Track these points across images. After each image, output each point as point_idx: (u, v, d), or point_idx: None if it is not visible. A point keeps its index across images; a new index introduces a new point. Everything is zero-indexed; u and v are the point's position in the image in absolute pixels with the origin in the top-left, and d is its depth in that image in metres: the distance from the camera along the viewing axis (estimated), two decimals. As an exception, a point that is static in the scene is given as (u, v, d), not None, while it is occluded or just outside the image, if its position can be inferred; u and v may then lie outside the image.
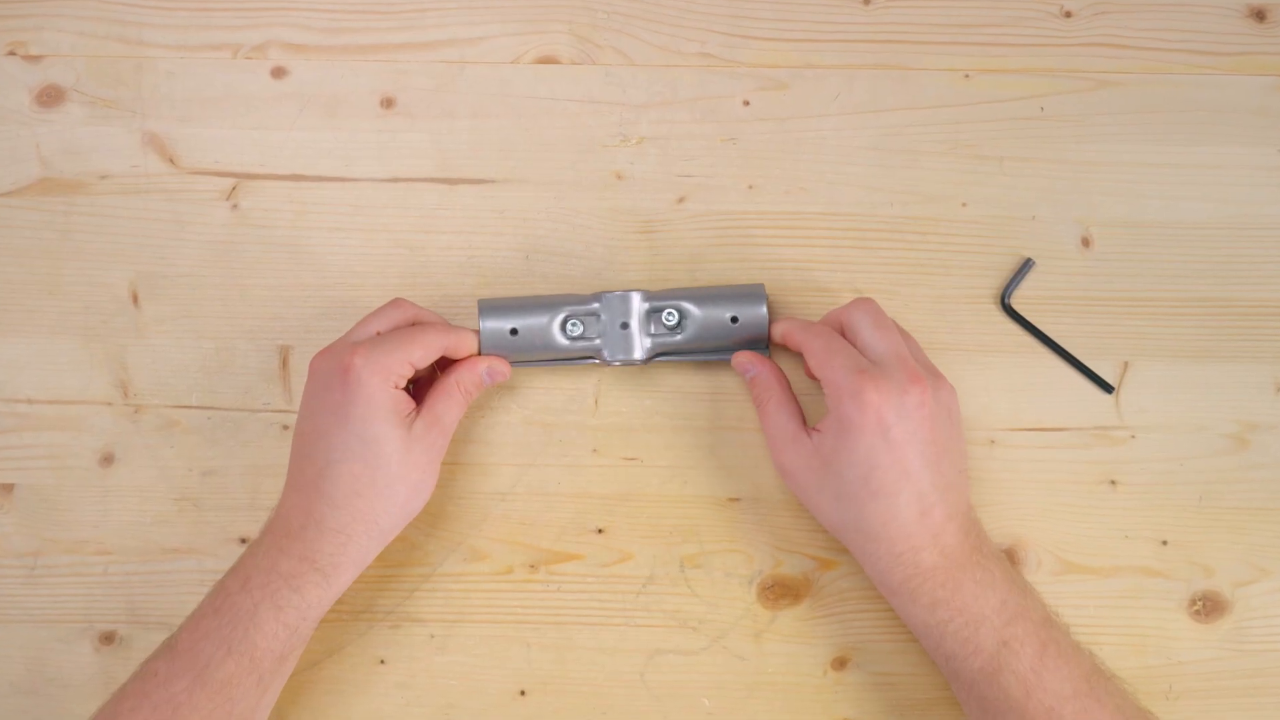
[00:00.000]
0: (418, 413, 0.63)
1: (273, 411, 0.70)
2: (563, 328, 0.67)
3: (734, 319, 0.67)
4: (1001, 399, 0.69)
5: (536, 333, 0.67)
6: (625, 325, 0.67)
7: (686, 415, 0.69)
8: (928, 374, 0.62)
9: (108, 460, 0.69)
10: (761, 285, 0.68)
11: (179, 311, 0.70)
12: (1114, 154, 0.71)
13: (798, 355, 0.66)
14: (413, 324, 0.66)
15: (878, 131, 0.72)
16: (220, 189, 0.72)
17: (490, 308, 0.67)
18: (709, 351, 0.68)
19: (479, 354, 0.67)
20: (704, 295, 0.67)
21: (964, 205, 0.71)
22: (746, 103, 0.72)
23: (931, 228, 0.71)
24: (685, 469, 0.69)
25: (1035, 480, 0.68)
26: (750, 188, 0.71)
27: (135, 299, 0.71)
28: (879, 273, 0.70)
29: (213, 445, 0.69)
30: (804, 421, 0.64)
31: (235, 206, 0.71)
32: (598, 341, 0.67)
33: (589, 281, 0.70)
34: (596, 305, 0.67)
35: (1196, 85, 0.72)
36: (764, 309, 0.67)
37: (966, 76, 0.72)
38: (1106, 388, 0.69)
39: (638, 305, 0.67)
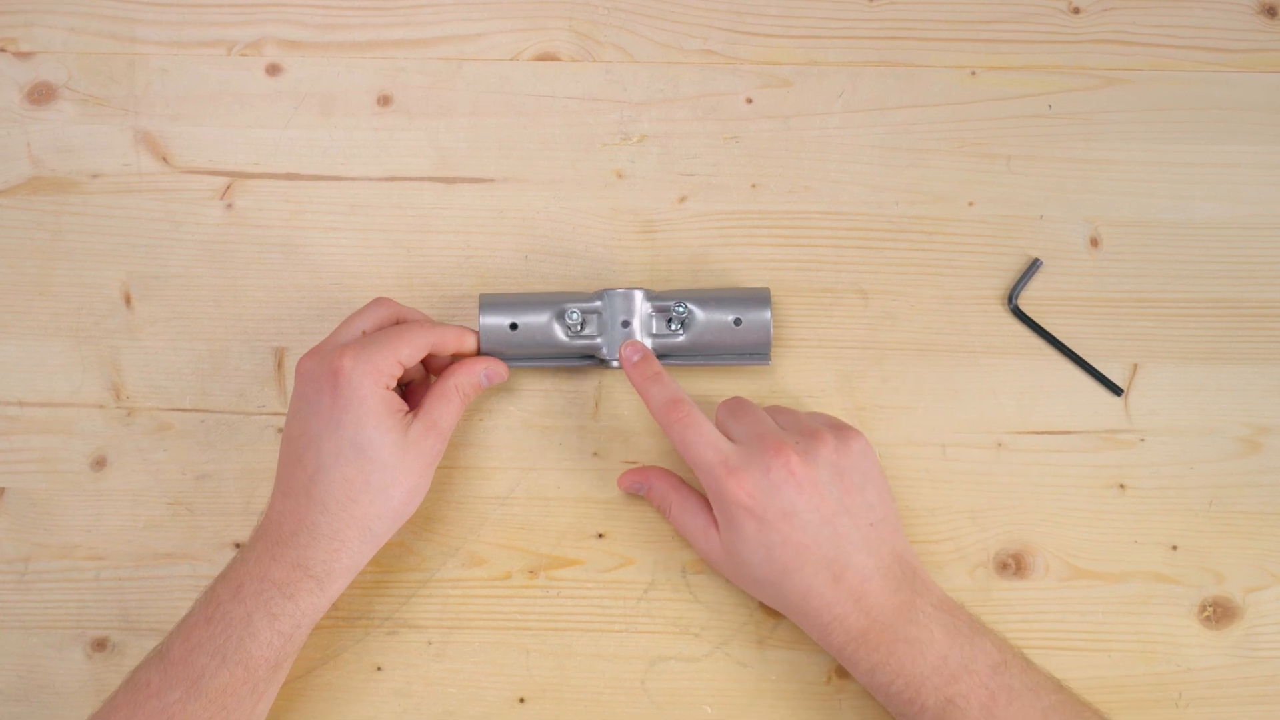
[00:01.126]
0: (414, 415, 0.62)
1: (267, 414, 0.69)
2: (564, 323, 0.66)
3: (737, 322, 0.67)
4: (1008, 402, 0.69)
5: (537, 329, 0.66)
6: (627, 324, 0.67)
7: (688, 418, 0.68)
8: (801, 436, 0.61)
9: (100, 464, 0.68)
10: (767, 289, 0.67)
11: (172, 313, 0.70)
12: (1123, 152, 0.71)
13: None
14: (397, 322, 0.65)
15: (883, 130, 0.71)
16: (214, 188, 0.71)
17: (490, 303, 0.67)
18: (711, 355, 0.68)
19: (476, 350, 0.66)
20: (707, 297, 0.67)
21: (970, 204, 0.71)
22: (749, 100, 0.72)
23: (937, 227, 0.70)
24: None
25: (1043, 484, 0.68)
26: (753, 187, 0.71)
27: (128, 300, 0.70)
28: (884, 273, 0.70)
29: (206, 449, 0.68)
30: (710, 515, 0.63)
31: (229, 206, 0.71)
32: (599, 340, 0.67)
33: (589, 282, 0.70)
34: (599, 303, 0.67)
35: (1207, 82, 0.71)
36: (768, 313, 0.66)
37: (973, 74, 0.72)
38: (1115, 390, 0.69)
39: (640, 304, 0.67)
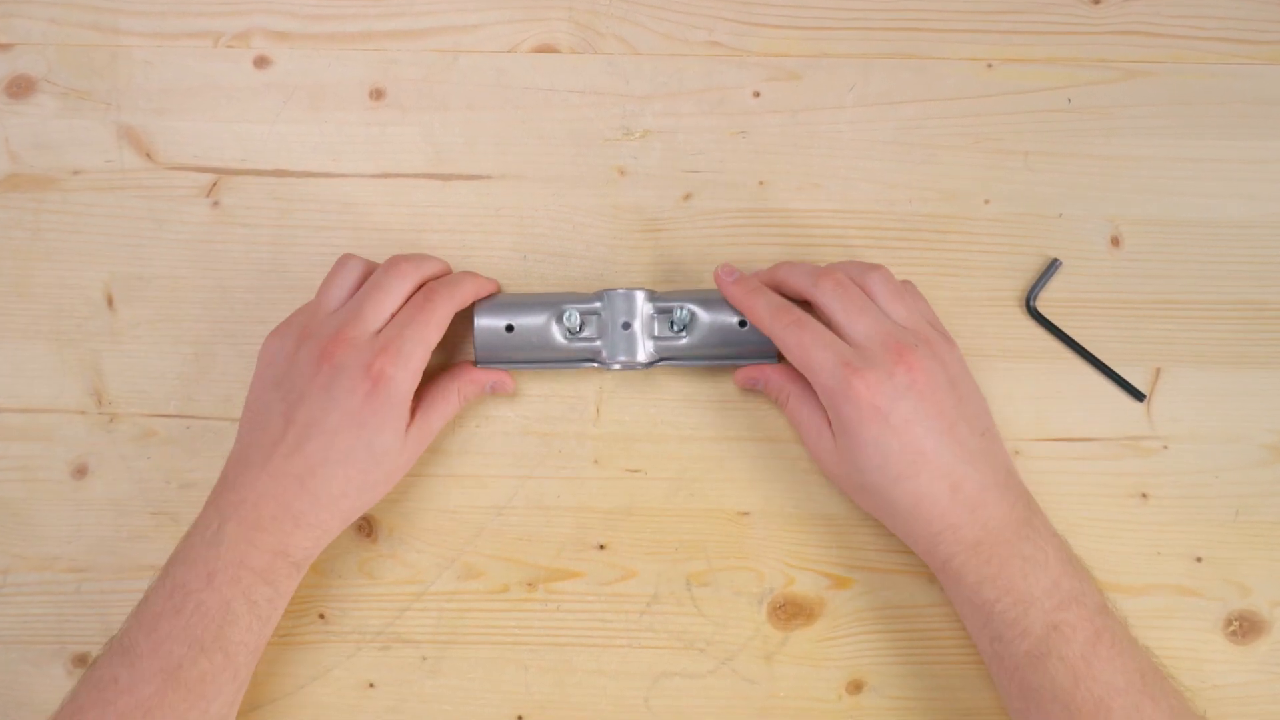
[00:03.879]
0: (414, 415, 0.63)
1: (255, 421, 0.68)
2: (562, 325, 0.66)
3: (742, 324, 0.66)
4: (1026, 408, 0.68)
5: (534, 331, 0.66)
6: (628, 326, 0.66)
7: (692, 424, 0.68)
8: (918, 341, 0.61)
9: (81, 472, 0.68)
10: (774, 291, 0.66)
11: (156, 315, 0.69)
12: (1145, 148, 0.70)
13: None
14: (419, 288, 0.64)
15: (895, 124, 0.70)
16: (200, 185, 0.70)
17: (486, 304, 0.66)
18: (715, 357, 0.67)
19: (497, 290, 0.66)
20: (712, 298, 0.66)
21: (986, 202, 0.70)
22: (757, 94, 0.71)
23: (952, 226, 0.70)
24: (691, 481, 0.67)
25: (1062, 493, 0.67)
26: (761, 184, 0.70)
27: (110, 301, 0.69)
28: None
29: (192, 456, 0.68)
30: (826, 414, 0.63)
31: (216, 204, 0.70)
32: (598, 342, 0.66)
33: (590, 283, 0.69)
34: (598, 304, 0.66)
35: (1232, 75, 0.71)
36: (776, 315, 0.65)
37: (989, 66, 0.71)
38: (1137, 395, 0.68)
39: (642, 305, 0.66)
